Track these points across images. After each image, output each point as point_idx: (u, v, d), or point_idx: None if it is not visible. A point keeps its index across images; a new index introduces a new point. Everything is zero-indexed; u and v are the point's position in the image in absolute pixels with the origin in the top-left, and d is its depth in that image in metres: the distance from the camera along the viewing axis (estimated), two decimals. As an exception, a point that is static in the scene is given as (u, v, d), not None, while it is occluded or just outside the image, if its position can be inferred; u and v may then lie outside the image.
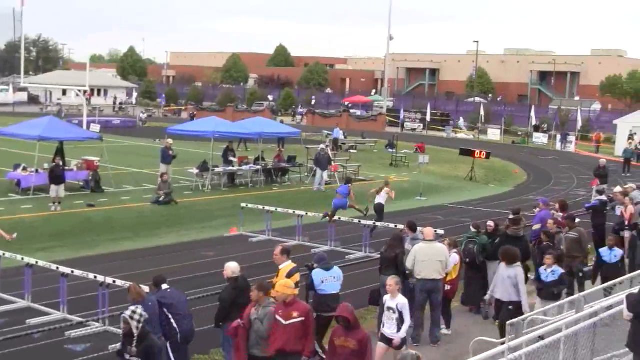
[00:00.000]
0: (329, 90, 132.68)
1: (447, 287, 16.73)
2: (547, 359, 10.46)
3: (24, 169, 34.27)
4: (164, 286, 13.13)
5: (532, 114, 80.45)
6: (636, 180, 39.83)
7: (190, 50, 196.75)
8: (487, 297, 16.38)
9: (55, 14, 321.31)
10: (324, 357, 13.34)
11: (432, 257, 15.96)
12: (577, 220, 20.74)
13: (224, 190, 37.11)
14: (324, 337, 13.75)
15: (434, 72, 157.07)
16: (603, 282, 17.70)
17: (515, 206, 23.14)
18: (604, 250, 18.76)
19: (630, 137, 61.12)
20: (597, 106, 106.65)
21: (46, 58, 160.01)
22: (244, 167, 39.81)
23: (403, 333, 13.29)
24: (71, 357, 14.79)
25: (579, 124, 76.79)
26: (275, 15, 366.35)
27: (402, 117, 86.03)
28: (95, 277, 16.46)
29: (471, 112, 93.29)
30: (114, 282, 16.04)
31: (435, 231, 17.74)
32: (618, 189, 27.99)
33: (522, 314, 14.52)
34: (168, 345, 12.71)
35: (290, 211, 27.14)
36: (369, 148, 61.70)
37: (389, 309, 13.36)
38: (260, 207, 27.68)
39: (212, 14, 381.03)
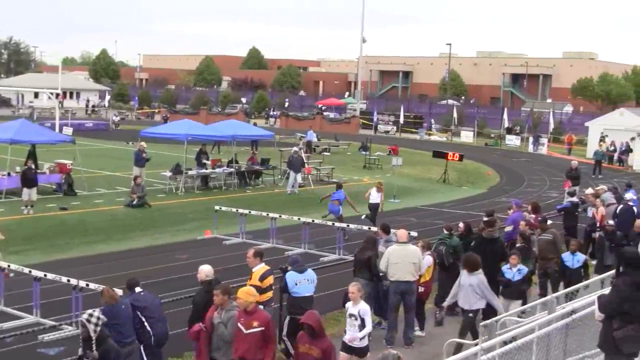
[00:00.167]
0: (302, 93, 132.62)
1: (421, 289, 16.78)
2: (520, 359, 10.53)
3: (-4, 172, 34.02)
4: (137, 289, 13.08)
5: (505, 116, 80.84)
6: (607, 182, 40.20)
7: (163, 53, 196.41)
8: (445, 304, 16.30)
9: (27, 16, 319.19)
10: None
11: (405, 259, 16.02)
12: (549, 222, 20.88)
13: (198, 193, 37.03)
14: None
15: (407, 74, 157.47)
16: (566, 287, 17.60)
17: (488, 208, 23.26)
18: (566, 255, 18.64)
19: (602, 139, 61.61)
20: (568, 108, 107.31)
21: (17, 60, 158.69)
22: (217, 170, 39.74)
23: (365, 341, 13.20)
24: (44, 361, 14.71)
25: (551, 126, 77.32)
26: (248, 17, 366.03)
27: (375, 119, 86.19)
28: (69, 280, 16.38)
29: (444, 114, 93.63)
30: (87, 285, 15.97)
31: (409, 233, 17.78)
32: (589, 190, 28.27)
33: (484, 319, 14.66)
34: (142, 348, 12.68)
35: (264, 214, 27.16)
36: (342, 150, 61.77)
37: (351, 315, 13.22)
38: (234, 209, 27.67)
39: (184, 17, 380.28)
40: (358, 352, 13.21)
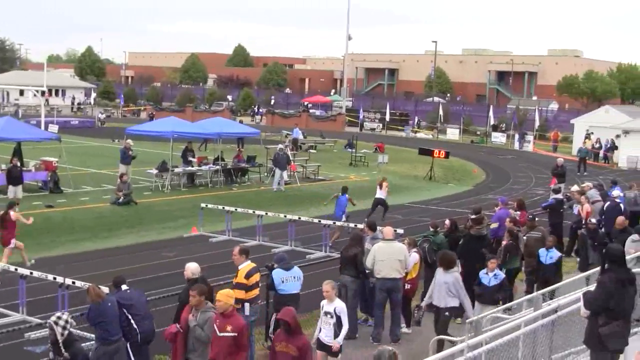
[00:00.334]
0: (288, 90, 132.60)
1: (407, 286, 16.81)
2: (506, 356, 10.55)
3: (-19, 169, 33.87)
4: (124, 287, 13.08)
5: (491, 113, 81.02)
6: (592, 179, 40.35)
7: (149, 50, 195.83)
8: (423, 304, 16.10)
9: (12, 13, 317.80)
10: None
11: (391, 256, 16.05)
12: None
13: (184, 191, 36.98)
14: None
15: (392, 72, 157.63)
16: (541, 283, 17.72)
17: (476, 206, 23.32)
18: (542, 251, 18.41)
19: (587, 136, 61.85)
20: (554, 106, 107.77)
21: (2, 58, 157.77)
22: (203, 167, 39.70)
23: (341, 339, 13.05)
24: (31, 359, 14.67)
25: (537, 124, 77.55)
26: (233, 15, 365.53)
27: (361, 117, 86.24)
28: (55, 278, 16.35)
29: (430, 111, 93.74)
30: (73, 283, 15.94)
31: (395, 230, 17.82)
32: (575, 187, 28.38)
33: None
34: (128, 346, 12.67)
35: (250, 211, 27.15)
36: (328, 148, 61.78)
37: (326, 313, 13.05)
38: (220, 207, 27.65)
39: (169, 14, 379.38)
40: (334, 349, 13.04)
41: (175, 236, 27.06)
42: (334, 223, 25.33)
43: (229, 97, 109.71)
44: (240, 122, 64.94)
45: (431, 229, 19.25)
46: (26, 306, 16.73)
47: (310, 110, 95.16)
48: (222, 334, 11.17)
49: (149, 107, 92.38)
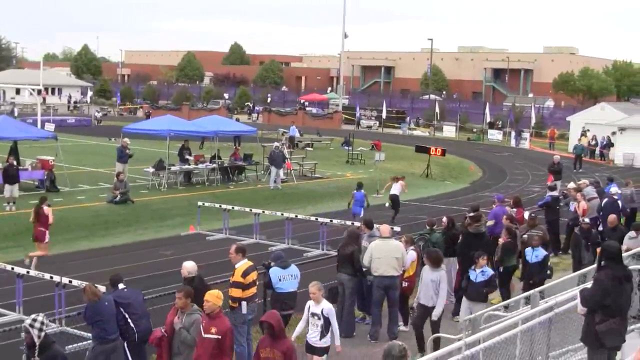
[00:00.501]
0: (284, 88, 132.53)
1: (405, 284, 16.81)
2: (503, 354, 10.56)
3: (-23, 168, 33.80)
4: (121, 285, 13.07)
5: (487, 111, 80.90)
6: (589, 176, 40.39)
7: (145, 49, 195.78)
8: (414, 304, 15.82)
9: (7, 12, 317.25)
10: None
11: (388, 253, 16.05)
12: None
13: (181, 189, 36.96)
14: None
15: (389, 69, 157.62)
16: (526, 282, 17.65)
17: (474, 203, 23.34)
18: (528, 250, 18.16)
19: (583, 133, 61.91)
20: (550, 103, 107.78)
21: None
22: (200, 166, 39.67)
23: (338, 340, 12.94)
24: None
25: (533, 121, 77.52)
26: (229, 13, 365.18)
27: (358, 114, 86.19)
28: (51, 277, 16.33)
29: (426, 109, 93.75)
30: (70, 282, 15.93)
31: (392, 228, 17.82)
32: (572, 185, 28.38)
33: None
34: (125, 345, 12.67)
35: (247, 209, 27.15)
36: (325, 146, 61.73)
37: (313, 314, 12.84)
38: (217, 205, 27.65)
39: (165, 12, 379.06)
40: (319, 351, 12.92)
41: (172, 234, 27.07)
42: (331, 221, 25.31)
43: (226, 95, 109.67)
44: (237, 120, 64.86)
45: (427, 227, 19.26)
46: (23, 305, 16.72)
47: (307, 108, 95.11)
48: (206, 336, 11.09)
49: (146, 106, 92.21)
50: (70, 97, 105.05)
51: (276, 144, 41.51)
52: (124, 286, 13.11)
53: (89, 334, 13.21)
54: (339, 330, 16.13)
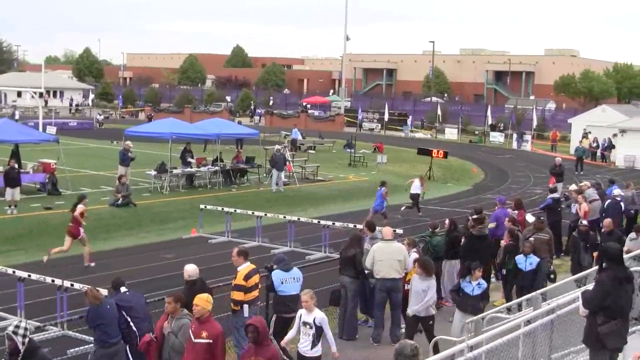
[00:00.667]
0: (286, 91, 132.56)
1: (407, 287, 16.79)
2: (506, 356, 10.56)
3: (-21, 172, 33.80)
4: (123, 289, 13.07)
5: (489, 113, 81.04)
6: (590, 178, 40.37)
7: (147, 51, 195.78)
8: (409, 313, 15.32)
9: (9, 15, 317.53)
10: (285, 358, 13.32)
11: (390, 256, 16.05)
12: (533, 219, 20.92)
13: (183, 192, 36.95)
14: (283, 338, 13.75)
15: (391, 72, 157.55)
16: (517, 290, 17.48)
17: (477, 205, 23.32)
18: (519, 257, 17.64)
19: (585, 135, 61.88)
20: (551, 105, 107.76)
21: (0, 60, 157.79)
22: (202, 169, 39.67)
23: (334, 347, 12.70)
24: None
25: (535, 123, 77.51)
26: (231, 16, 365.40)
27: (360, 117, 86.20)
28: (53, 280, 16.32)
29: (428, 111, 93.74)
30: (72, 285, 15.92)
31: (394, 230, 17.82)
32: (573, 187, 28.39)
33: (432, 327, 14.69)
34: (127, 348, 12.66)
35: (250, 212, 27.15)
36: (327, 148, 61.73)
37: (305, 323, 12.54)
38: (219, 208, 27.64)
39: (167, 15, 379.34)
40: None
41: (174, 238, 27.05)
42: (333, 224, 25.29)
43: (228, 98, 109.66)
44: (239, 123, 64.89)
45: (429, 230, 19.25)
46: (24, 309, 16.70)
47: (309, 111, 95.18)
48: (197, 340, 10.91)
49: (148, 109, 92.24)
50: (72, 100, 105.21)
51: (277, 146, 41.51)
52: (126, 289, 13.12)
53: (91, 338, 13.20)
54: (342, 334, 16.26)
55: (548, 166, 42.35)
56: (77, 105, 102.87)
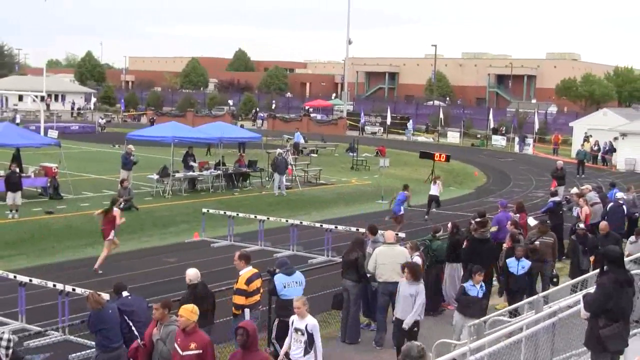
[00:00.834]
0: (289, 95, 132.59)
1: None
2: (508, 359, 10.56)
3: (-20, 176, 33.77)
4: (125, 293, 13.06)
5: (491, 116, 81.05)
6: (591, 181, 40.35)
7: (149, 55, 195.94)
8: (405, 326, 14.97)
9: (10, 18, 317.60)
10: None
11: (392, 259, 16.05)
12: (535, 222, 20.91)
13: (185, 196, 36.95)
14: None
15: (393, 75, 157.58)
16: (509, 295, 17.45)
17: (480, 209, 23.30)
18: (511, 261, 17.42)
19: (586, 139, 61.86)
20: (553, 108, 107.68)
21: (1, 63, 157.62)
22: (204, 172, 39.67)
23: (311, 357, 12.28)
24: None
25: (536, 126, 77.51)
26: (233, 19, 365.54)
27: (362, 120, 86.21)
28: (55, 285, 16.31)
29: (430, 115, 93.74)
30: (74, 290, 15.91)
31: (396, 234, 17.81)
32: (575, 190, 28.38)
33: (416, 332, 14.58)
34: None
35: (252, 216, 27.14)
36: (329, 152, 61.76)
37: (297, 330, 12.31)
38: (222, 212, 27.64)
39: (170, 19, 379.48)
40: None
41: (176, 241, 27.04)
42: (336, 227, 25.27)
43: (230, 102, 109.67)
44: (242, 126, 64.93)
45: (431, 234, 19.25)
46: (25, 314, 16.70)
47: (312, 115, 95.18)
48: (185, 353, 10.62)
49: (150, 112, 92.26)
50: (73, 103, 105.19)
51: (279, 150, 41.51)
52: (128, 294, 13.10)
53: (93, 343, 13.19)
54: (345, 337, 16.26)
55: (550, 169, 42.37)
56: (79, 109, 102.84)
